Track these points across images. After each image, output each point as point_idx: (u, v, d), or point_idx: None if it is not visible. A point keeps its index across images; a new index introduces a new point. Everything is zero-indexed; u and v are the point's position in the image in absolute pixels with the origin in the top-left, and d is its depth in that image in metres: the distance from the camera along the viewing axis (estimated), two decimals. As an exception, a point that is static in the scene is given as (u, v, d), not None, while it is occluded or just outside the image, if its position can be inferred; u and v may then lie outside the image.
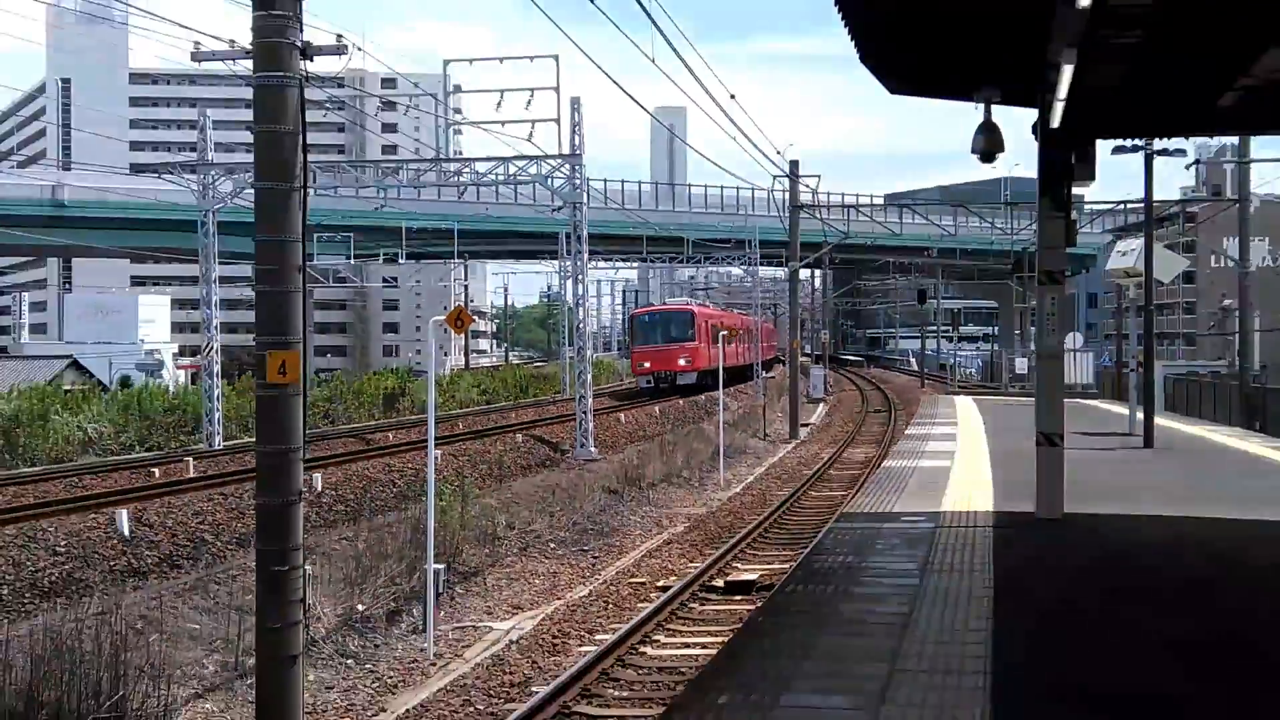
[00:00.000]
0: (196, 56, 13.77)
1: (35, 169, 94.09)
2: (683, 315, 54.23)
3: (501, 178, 33.52)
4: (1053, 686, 7.77)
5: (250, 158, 12.28)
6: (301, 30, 10.37)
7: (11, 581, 13.81)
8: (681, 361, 50.52)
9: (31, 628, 10.60)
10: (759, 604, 12.45)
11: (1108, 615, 9.89)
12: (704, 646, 13.05)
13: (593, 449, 30.96)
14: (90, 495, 19.58)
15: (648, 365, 52.12)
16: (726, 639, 11.08)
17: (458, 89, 31.13)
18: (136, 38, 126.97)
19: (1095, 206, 50.64)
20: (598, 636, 14.15)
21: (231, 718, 11.38)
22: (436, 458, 15.27)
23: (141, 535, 16.41)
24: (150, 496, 18.56)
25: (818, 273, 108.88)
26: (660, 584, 17.02)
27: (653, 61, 19.23)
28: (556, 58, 29.58)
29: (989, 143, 14.88)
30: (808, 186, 45.17)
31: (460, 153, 47.79)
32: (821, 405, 58.39)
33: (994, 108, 14.86)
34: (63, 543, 15.16)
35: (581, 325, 34.12)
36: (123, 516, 16.42)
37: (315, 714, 11.47)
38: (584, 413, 31.66)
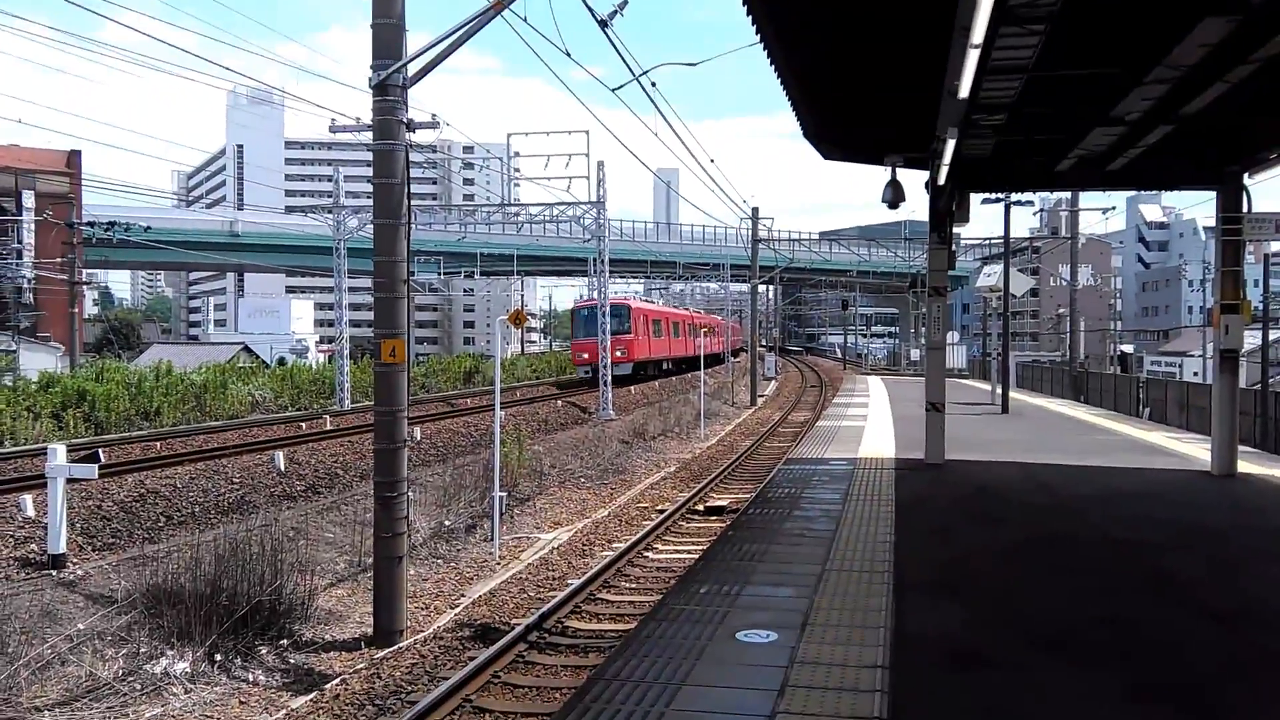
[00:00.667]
0: (333, 129, 13.67)
1: (218, 209, 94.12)
2: (618, 310, 41.25)
3: (548, 218, 33.44)
4: (934, 581, 7.78)
5: (370, 202, 12.29)
6: (406, 110, 10.39)
7: (201, 502, 13.83)
8: (617, 353, 39.14)
9: (215, 535, 10.62)
10: (728, 523, 12.45)
11: (973, 531, 9.89)
12: (689, 552, 13.05)
13: (611, 412, 30.88)
14: (256, 441, 19.63)
15: (585, 356, 39.77)
16: (705, 547, 11.07)
17: (517, 154, 30.97)
18: (290, 114, 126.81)
19: (969, 241, 50.80)
20: (614, 544, 14.16)
21: (356, 600, 11.41)
22: (501, 417, 15.24)
23: (292, 470, 16.44)
24: (299, 442, 18.58)
25: (771, 287, 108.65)
26: (658, 508, 17.02)
27: (655, 135, 19.30)
28: (587, 132, 29.43)
29: (895, 194, 14.82)
30: (765, 226, 45.05)
31: (519, 200, 47.75)
32: (773, 382, 58.23)
33: (898, 170, 14.80)
34: (237, 475, 15.18)
35: (603, 323, 33.95)
36: (279, 457, 16.43)
37: (415, 598, 11.50)
38: (605, 384, 31.58)
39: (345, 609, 11.09)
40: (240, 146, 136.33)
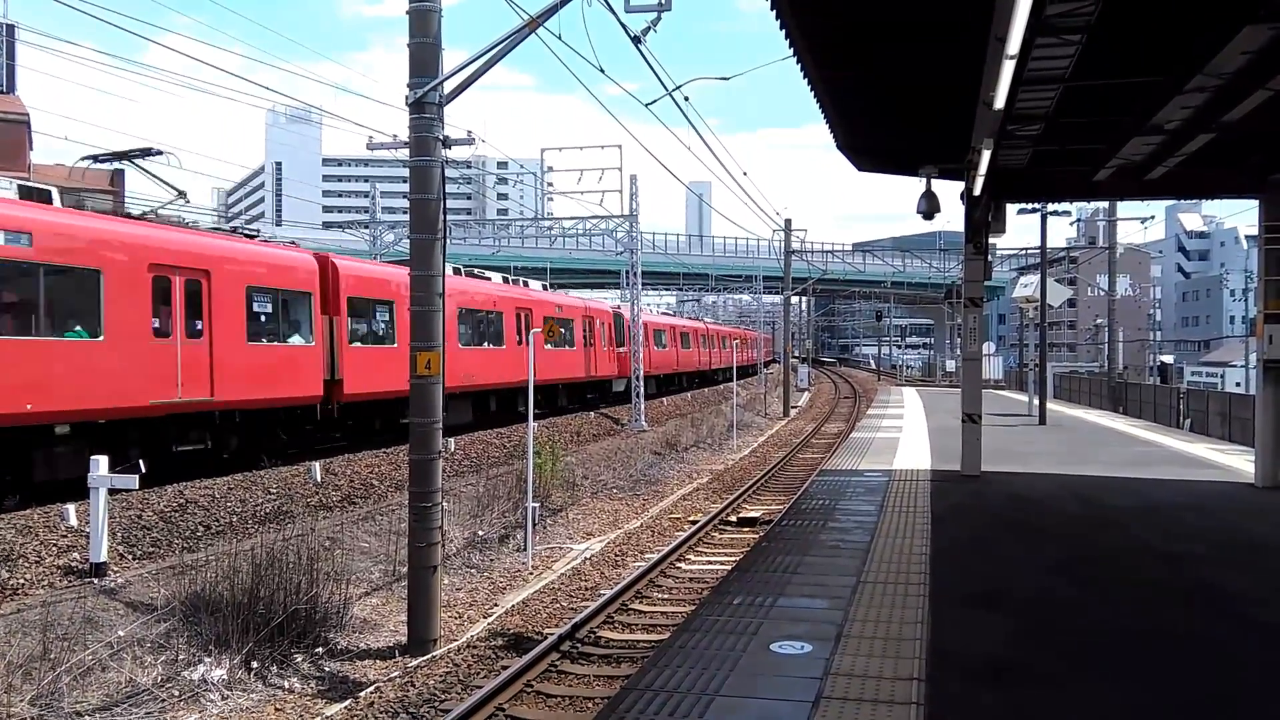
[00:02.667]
0: (370, 146, 13.77)
1: (258, 224, 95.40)
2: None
3: (581, 231, 33.64)
4: (970, 592, 7.69)
5: (406, 217, 12.40)
6: (443, 127, 10.46)
7: (239, 512, 13.96)
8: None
9: (253, 545, 10.71)
10: (761, 534, 12.38)
11: (1011, 543, 9.77)
12: (722, 564, 12.99)
13: (644, 423, 30.88)
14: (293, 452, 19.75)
15: None
16: (738, 559, 11.01)
17: (550, 169, 31.17)
18: (328, 132, 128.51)
19: (1005, 251, 50.35)
20: (647, 555, 14.12)
21: (390, 609, 11.45)
22: (534, 428, 15.28)
23: (329, 481, 16.56)
24: (335, 453, 18.70)
25: (804, 299, 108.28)
26: (691, 519, 16.95)
27: (688, 149, 19.19)
28: (620, 146, 29.66)
29: (929, 206, 14.73)
30: (798, 237, 45.01)
31: (552, 214, 48.03)
32: (806, 393, 57.97)
33: (933, 180, 14.72)
34: (274, 486, 15.31)
35: (635, 334, 33.98)
36: (315, 467, 16.55)
37: (449, 607, 11.53)
38: (637, 395, 31.59)
39: (380, 618, 11.14)
40: (279, 164, 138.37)
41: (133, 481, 11.21)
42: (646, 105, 14.95)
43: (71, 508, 12.04)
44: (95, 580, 10.71)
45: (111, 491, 11.43)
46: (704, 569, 13.02)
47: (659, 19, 11.09)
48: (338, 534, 13.14)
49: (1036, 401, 25.58)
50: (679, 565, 13.27)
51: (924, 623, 6.67)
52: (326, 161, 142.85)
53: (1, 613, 9.17)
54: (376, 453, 18.91)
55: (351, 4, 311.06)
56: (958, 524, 10.62)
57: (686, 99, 14.90)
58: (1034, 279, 29.09)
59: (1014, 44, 7.37)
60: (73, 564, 11.08)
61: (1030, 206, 26.12)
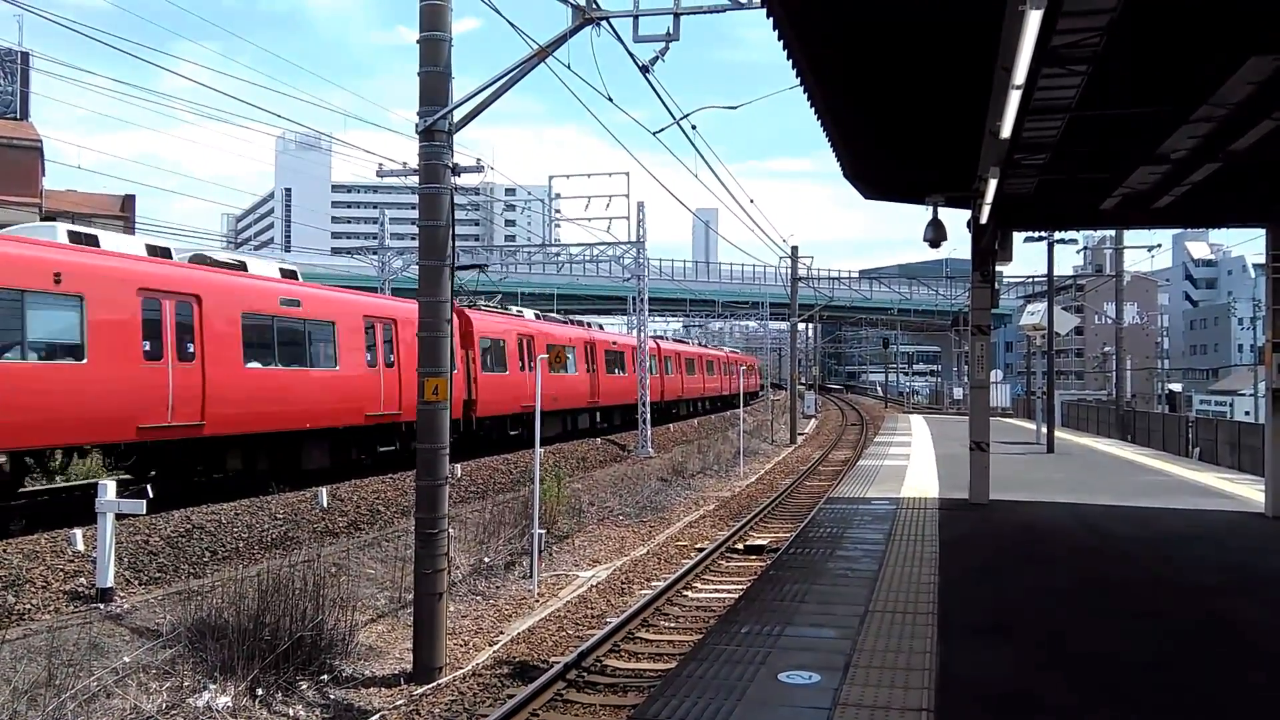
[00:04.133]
0: (380, 173, 13.91)
1: (266, 250, 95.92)
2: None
3: (588, 257, 33.77)
4: (979, 623, 7.64)
5: (414, 243, 12.47)
6: (452, 155, 10.54)
7: (245, 538, 13.95)
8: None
9: (259, 570, 10.69)
10: (769, 562, 12.32)
11: (1019, 572, 9.71)
12: (729, 592, 12.92)
13: (650, 449, 30.81)
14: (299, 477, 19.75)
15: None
16: (745, 587, 10.96)
17: (558, 195, 31.40)
18: (337, 159, 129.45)
19: (1012, 279, 50.40)
20: (653, 583, 14.06)
21: (396, 635, 11.41)
22: (541, 454, 15.27)
23: (335, 506, 16.54)
24: (341, 479, 18.69)
25: (811, 325, 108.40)
26: (698, 546, 16.89)
27: (695, 176, 19.32)
28: (628, 174, 29.83)
29: (936, 234, 14.76)
30: (805, 264, 45.07)
31: (559, 240, 48.24)
32: (813, 420, 57.86)
33: (940, 209, 14.76)
34: (280, 511, 15.30)
35: (642, 360, 33.97)
36: (322, 493, 16.54)
37: (454, 634, 11.47)
38: (644, 421, 31.55)
39: (385, 645, 11.09)
40: (288, 190, 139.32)
41: (140, 506, 11.22)
42: (654, 134, 15.02)
43: (79, 532, 12.04)
44: (101, 605, 10.69)
45: (119, 516, 11.44)
46: (711, 597, 12.95)
47: (667, 48, 11.18)
48: (344, 560, 13.11)
49: (1044, 429, 25.50)
50: (686, 593, 13.20)
51: (932, 652, 6.63)
52: (336, 188, 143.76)
53: (8, 638, 9.13)
54: (383, 478, 18.91)
55: (361, 32, 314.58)
56: (966, 553, 10.56)
57: (694, 127, 15.02)
58: (1041, 307, 29.10)
59: (1020, 74, 7.42)
60: (79, 589, 11.07)
61: (1037, 235, 26.19)
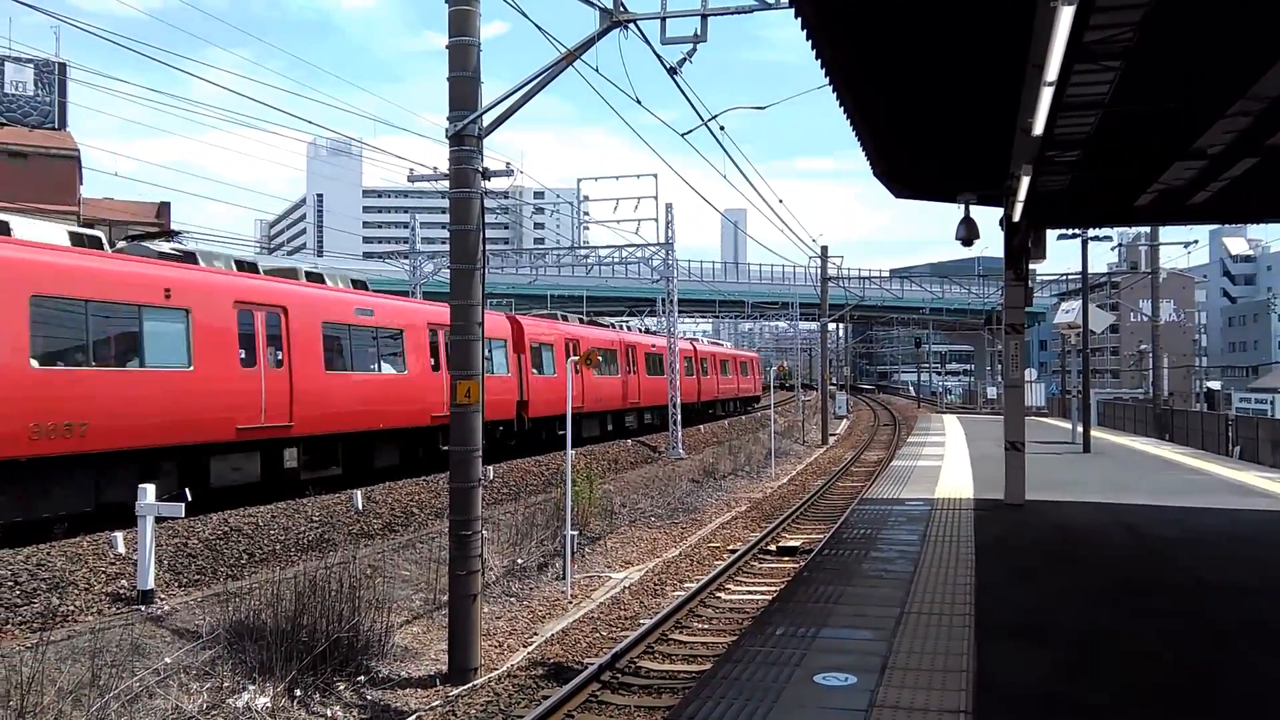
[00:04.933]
0: (411, 178, 14.10)
1: (299, 255, 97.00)
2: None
3: (617, 259, 33.84)
4: (1017, 624, 7.58)
5: (444, 247, 12.59)
6: (482, 159, 10.60)
7: (282, 540, 14.12)
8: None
9: (295, 573, 10.82)
10: (802, 564, 12.29)
11: (1056, 573, 9.61)
12: (763, 593, 12.90)
13: (681, 451, 30.80)
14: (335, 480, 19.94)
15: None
16: (779, 588, 10.95)
17: (586, 198, 31.44)
18: (368, 165, 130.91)
19: (1045, 277, 49.96)
20: (686, 584, 14.06)
21: (431, 637, 11.50)
22: (573, 456, 15.32)
23: (370, 509, 16.70)
24: (376, 481, 18.85)
25: (842, 325, 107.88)
26: (730, 548, 16.87)
27: (724, 178, 19.30)
28: (655, 175, 29.78)
29: (969, 232, 14.66)
30: (835, 264, 44.88)
31: (588, 242, 48.40)
32: (845, 421, 57.54)
33: (971, 207, 14.65)
34: (317, 514, 15.47)
35: (673, 361, 33.97)
36: (357, 496, 16.71)
37: (489, 635, 11.54)
38: (675, 423, 31.55)
39: (421, 646, 11.18)
40: (320, 195, 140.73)
41: (179, 509, 11.39)
42: (683, 135, 15.03)
43: (120, 535, 12.24)
44: (142, 607, 10.86)
45: (159, 519, 11.62)
46: (744, 599, 12.94)
47: (694, 50, 11.18)
48: (379, 562, 13.22)
49: (1080, 429, 25.22)
50: (719, 595, 13.19)
51: (969, 654, 6.59)
52: (366, 193, 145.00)
53: (52, 639, 9.31)
54: (417, 480, 19.06)
55: (390, 38, 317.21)
56: (1002, 554, 10.48)
57: (722, 128, 15.00)
58: (1075, 305, 28.78)
59: (1052, 70, 7.37)
60: (120, 591, 11.25)
61: (1070, 232, 25.91)
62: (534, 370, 25.32)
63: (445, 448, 19.81)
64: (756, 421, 43.57)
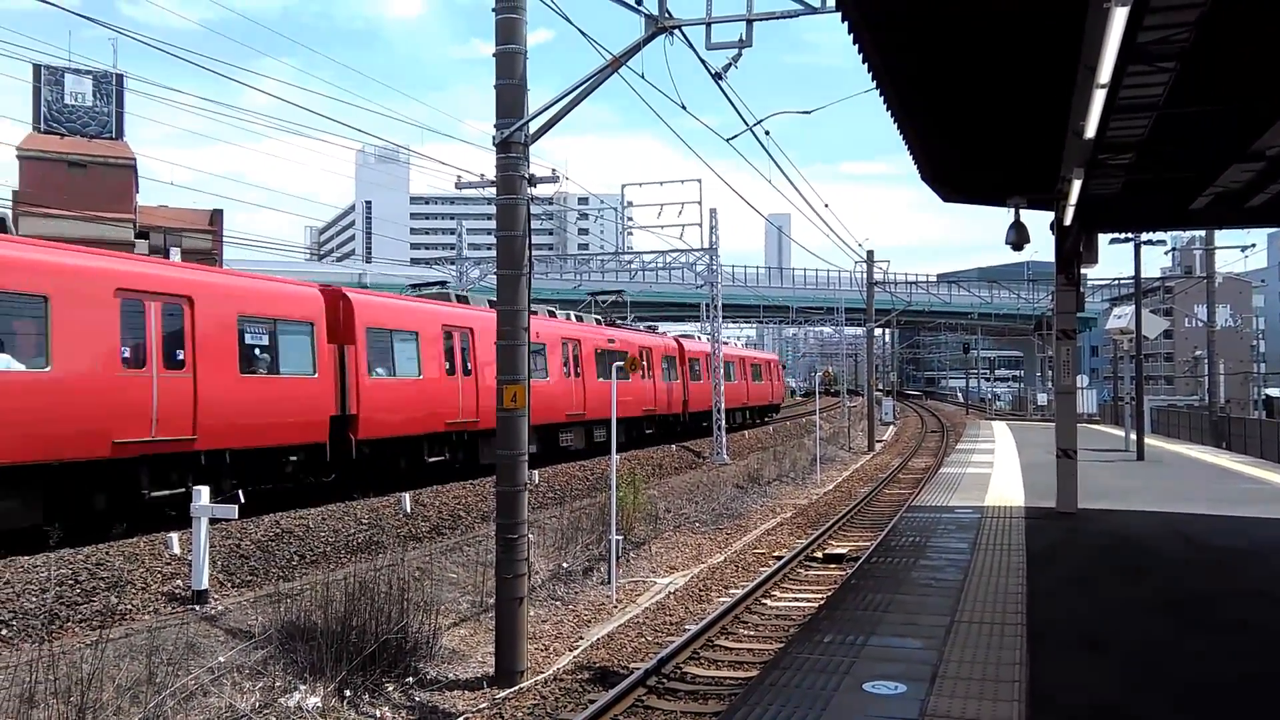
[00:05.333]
0: (459, 185, 14.19)
1: (348, 261, 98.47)
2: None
3: (660, 264, 33.86)
4: (1070, 636, 7.45)
5: (490, 252, 12.70)
6: (528, 165, 10.66)
7: (332, 542, 14.32)
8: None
9: (345, 574, 10.96)
10: (849, 571, 12.19)
11: (1111, 584, 9.43)
12: (809, 600, 12.82)
13: (726, 456, 30.73)
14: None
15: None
16: (826, 596, 10.87)
17: (630, 204, 31.53)
18: (415, 172, 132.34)
19: (1097, 281, 49.14)
20: (731, 590, 14.02)
21: (478, 639, 11.58)
22: (617, 462, 15.35)
23: (418, 511, 16.87)
24: (423, 485, 19.04)
25: (888, 330, 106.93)
26: (776, 554, 16.78)
27: (769, 182, 19.28)
28: (699, 181, 29.85)
29: (1019, 236, 14.48)
30: (881, 269, 44.53)
31: (632, 247, 48.51)
32: (891, 427, 56.97)
33: (1021, 211, 14.47)
34: (365, 517, 15.67)
35: (716, 366, 33.90)
36: (405, 499, 16.89)
37: (534, 639, 11.59)
38: (719, 428, 31.48)
39: (468, 648, 11.27)
40: (369, 202, 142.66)
41: (232, 511, 11.60)
42: (728, 140, 15.05)
43: (175, 536, 12.50)
44: (197, 607, 11.08)
45: (213, 521, 11.84)
46: (791, 605, 12.86)
47: (740, 55, 11.16)
48: (426, 564, 13.34)
49: (1134, 436, 24.75)
50: (765, 601, 13.13)
51: (1022, 664, 6.49)
52: (414, 200, 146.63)
53: (110, 637, 9.53)
54: (463, 484, 19.22)
55: (437, 46, 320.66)
56: (1055, 563, 10.31)
57: (767, 133, 14.98)
58: (1128, 310, 28.26)
59: (1105, 73, 7.25)
60: (175, 591, 11.49)
61: (1123, 236, 25.45)
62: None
63: (438, 457, 20.08)
64: (801, 428, 43.30)
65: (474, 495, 18.56)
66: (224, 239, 52.18)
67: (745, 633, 11.63)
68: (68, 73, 48.68)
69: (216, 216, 56.25)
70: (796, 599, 13.24)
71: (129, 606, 10.88)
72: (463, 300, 22.88)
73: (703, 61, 11.23)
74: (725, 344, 38.07)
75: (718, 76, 11.47)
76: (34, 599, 10.26)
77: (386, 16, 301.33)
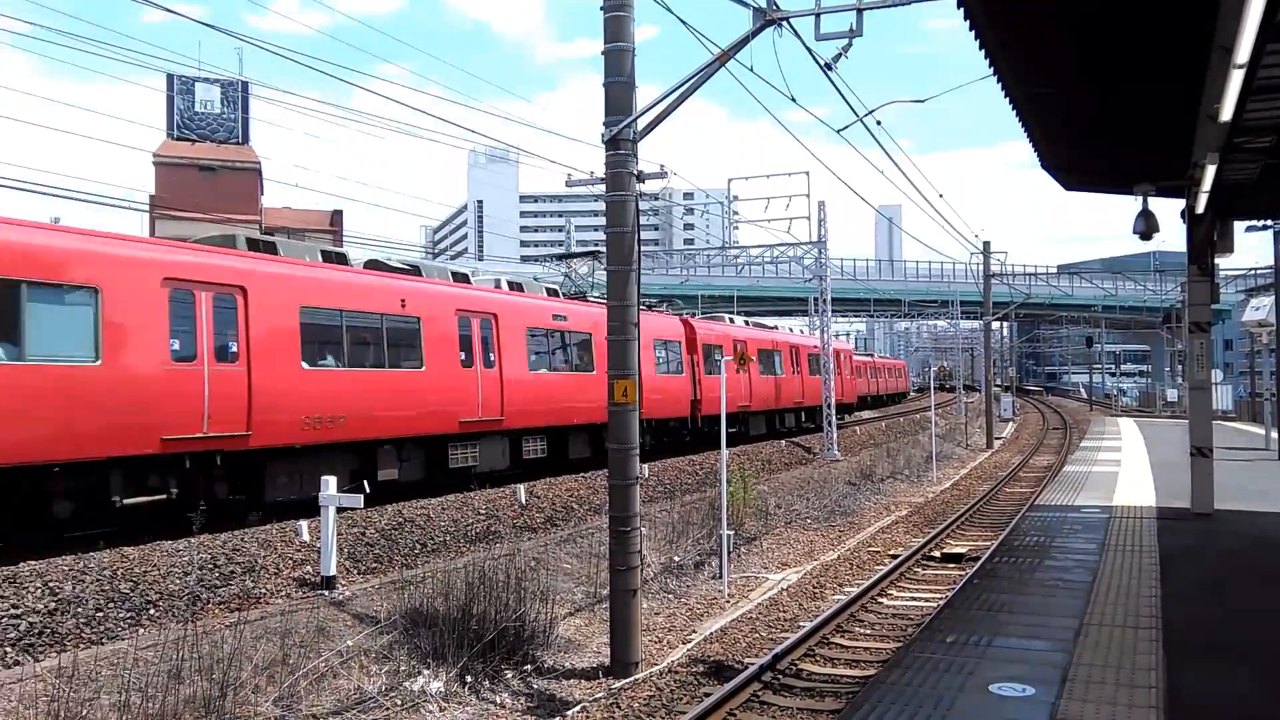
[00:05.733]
0: (569, 183, 14.36)
1: (460, 260, 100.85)
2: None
3: (768, 259, 33.60)
4: (1210, 641, 7.12)
5: (599, 249, 12.82)
6: (637, 162, 10.73)
7: (451, 531, 14.72)
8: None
9: (465, 563, 11.27)
10: (969, 571, 11.90)
11: (1252, 588, 8.97)
12: (927, 600, 12.58)
13: (837, 453, 30.32)
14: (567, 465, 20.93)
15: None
16: (945, 595, 10.65)
17: (736, 198, 31.33)
18: (525, 170, 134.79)
19: (1231, 271, 46.65)
20: (846, 588, 13.86)
21: (593, 630, 11.74)
22: (727, 456, 15.33)
23: (532, 503, 17.19)
24: (537, 478, 19.38)
25: (1006, 324, 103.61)
26: (891, 553, 16.51)
27: (881, 173, 18.87)
28: (808, 173, 29.38)
29: (1148, 225, 13.87)
30: (998, 260, 43.18)
31: (738, 242, 48.21)
32: (1011, 424, 55.24)
33: (1149, 199, 13.85)
34: (483, 507, 16.04)
35: (827, 362, 33.46)
36: (520, 490, 17.22)
37: (648, 631, 11.69)
38: (829, 423, 31.09)
39: (583, 638, 11.45)
40: (480, 202, 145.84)
41: (358, 500, 12.05)
42: (838, 131, 14.80)
43: (304, 524, 13.05)
44: (325, 592, 11.55)
45: (340, 510, 12.33)
46: (908, 605, 12.64)
47: (850, 45, 10.94)
48: (541, 555, 13.59)
49: (1274, 434, 23.41)
50: (880, 600, 12.94)
51: (1158, 669, 6.24)
52: (523, 198, 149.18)
53: (247, 619, 10.04)
54: (576, 477, 19.49)
55: (546, 45, 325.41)
56: (1190, 565, 9.86)
57: (879, 123, 14.71)
58: (1266, 301, 26.76)
59: (1243, 53, 6.90)
60: (305, 576, 12.00)
61: (1260, 224, 24.08)
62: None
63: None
64: (916, 424, 42.41)
65: (585, 488, 18.79)
66: (344, 238, 54.02)
67: (861, 631, 11.49)
68: (198, 82, 51.19)
69: (336, 217, 58.24)
70: (914, 598, 13.00)
71: (263, 590, 11.41)
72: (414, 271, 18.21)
73: (811, 53, 11.09)
74: (761, 326, 37.11)
75: (828, 68, 11.30)
76: (177, 581, 10.86)
77: (497, 17, 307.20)
